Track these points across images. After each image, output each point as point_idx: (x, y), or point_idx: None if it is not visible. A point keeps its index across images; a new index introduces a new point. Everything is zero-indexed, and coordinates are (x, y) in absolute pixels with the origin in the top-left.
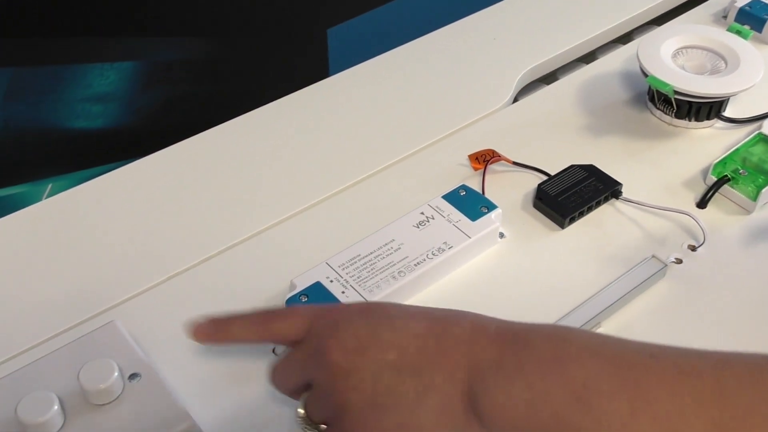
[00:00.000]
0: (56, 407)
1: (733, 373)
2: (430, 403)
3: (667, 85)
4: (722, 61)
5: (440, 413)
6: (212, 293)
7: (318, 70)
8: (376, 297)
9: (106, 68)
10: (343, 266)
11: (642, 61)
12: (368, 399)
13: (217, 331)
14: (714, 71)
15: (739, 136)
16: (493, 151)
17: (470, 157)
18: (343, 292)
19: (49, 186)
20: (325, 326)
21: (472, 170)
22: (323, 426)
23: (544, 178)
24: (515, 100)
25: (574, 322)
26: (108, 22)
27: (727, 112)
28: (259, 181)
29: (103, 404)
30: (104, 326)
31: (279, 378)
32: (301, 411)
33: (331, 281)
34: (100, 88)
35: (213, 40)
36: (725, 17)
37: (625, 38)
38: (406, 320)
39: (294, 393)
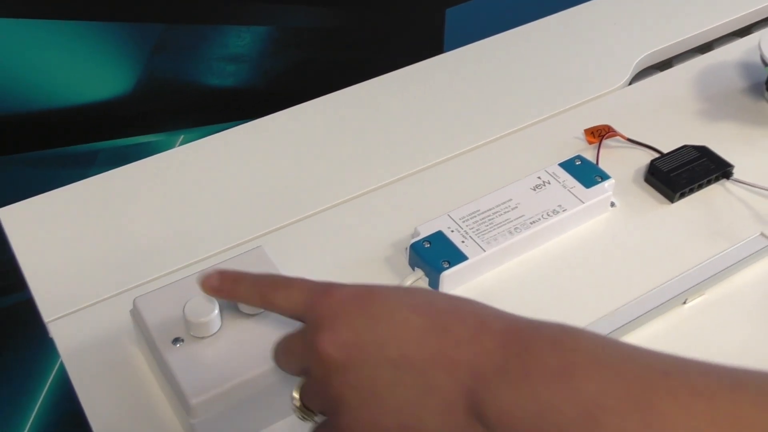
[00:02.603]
0: (216, 311)
1: (749, 397)
2: (433, 405)
3: None
4: None
5: (443, 415)
6: (345, 233)
7: (433, 47)
8: (493, 249)
9: (242, 30)
10: (464, 219)
11: (763, 50)
12: (366, 397)
13: (222, 288)
14: None
15: None
16: (609, 127)
17: (586, 131)
18: (463, 242)
19: (181, 137)
20: (322, 315)
21: (587, 144)
22: (318, 417)
23: (657, 155)
24: (631, 83)
25: (679, 287)
26: None
27: None
28: (388, 139)
29: (253, 315)
30: (253, 250)
31: (279, 360)
32: (296, 396)
33: (452, 231)
34: (235, 48)
35: (341, 11)
36: None
37: (743, 32)
38: (406, 314)
39: (295, 373)
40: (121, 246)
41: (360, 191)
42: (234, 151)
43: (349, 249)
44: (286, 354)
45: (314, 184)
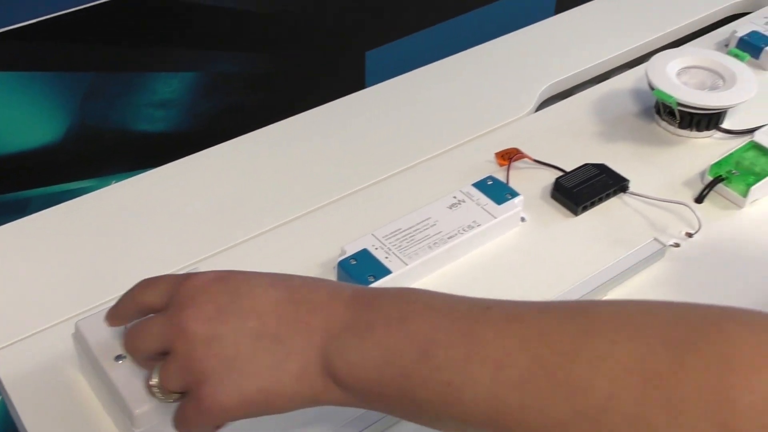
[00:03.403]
0: None
1: (553, 316)
2: (291, 369)
3: (671, 97)
4: (721, 79)
5: (299, 378)
6: (277, 256)
7: (356, 88)
8: (414, 263)
9: (170, 77)
10: (387, 237)
11: (650, 77)
12: (229, 365)
13: (116, 315)
14: (713, 87)
15: (734, 146)
16: (517, 150)
17: (497, 154)
18: (386, 257)
19: (113, 182)
20: (185, 296)
21: (498, 166)
22: (176, 395)
23: (561, 174)
24: (536, 110)
25: (582, 291)
26: (176, 34)
27: (725, 125)
28: (315, 168)
29: None
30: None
31: (134, 344)
32: (155, 380)
33: (376, 248)
34: (164, 94)
35: (266, 56)
36: (727, 45)
37: (634, 63)
38: (265, 288)
39: (146, 361)
40: (60, 278)
41: (290, 217)
42: (166, 186)
43: (282, 270)
44: (142, 337)
45: (246, 213)
